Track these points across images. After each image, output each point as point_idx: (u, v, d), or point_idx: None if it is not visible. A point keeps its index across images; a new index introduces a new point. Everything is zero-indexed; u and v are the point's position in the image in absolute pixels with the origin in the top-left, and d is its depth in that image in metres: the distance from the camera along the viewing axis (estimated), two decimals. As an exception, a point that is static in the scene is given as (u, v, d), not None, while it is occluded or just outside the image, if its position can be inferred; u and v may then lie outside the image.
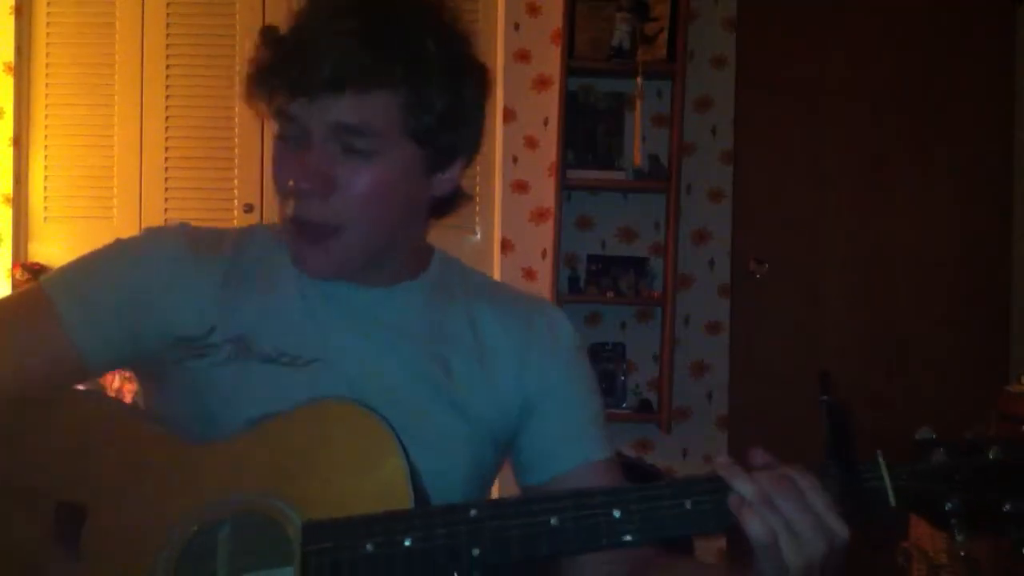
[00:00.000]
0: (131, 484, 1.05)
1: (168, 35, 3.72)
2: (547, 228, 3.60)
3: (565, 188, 3.59)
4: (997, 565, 2.68)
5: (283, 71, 1.07)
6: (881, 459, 0.93)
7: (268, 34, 1.10)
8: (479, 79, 1.15)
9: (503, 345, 1.20)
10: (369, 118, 1.06)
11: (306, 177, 1.07)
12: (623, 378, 3.67)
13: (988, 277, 3.91)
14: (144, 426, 1.11)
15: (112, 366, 1.19)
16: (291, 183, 1.08)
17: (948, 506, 0.91)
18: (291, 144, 1.10)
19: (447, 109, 1.10)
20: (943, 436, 0.94)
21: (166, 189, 3.73)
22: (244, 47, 3.63)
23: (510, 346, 1.20)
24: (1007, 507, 0.90)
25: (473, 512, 0.93)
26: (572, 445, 1.19)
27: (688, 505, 0.93)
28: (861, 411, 3.84)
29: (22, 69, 3.71)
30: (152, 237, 1.19)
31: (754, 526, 0.91)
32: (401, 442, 1.00)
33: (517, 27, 3.67)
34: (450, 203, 1.21)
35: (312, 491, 1.00)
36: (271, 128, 1.13)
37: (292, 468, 1.01)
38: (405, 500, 0.98)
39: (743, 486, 0.93)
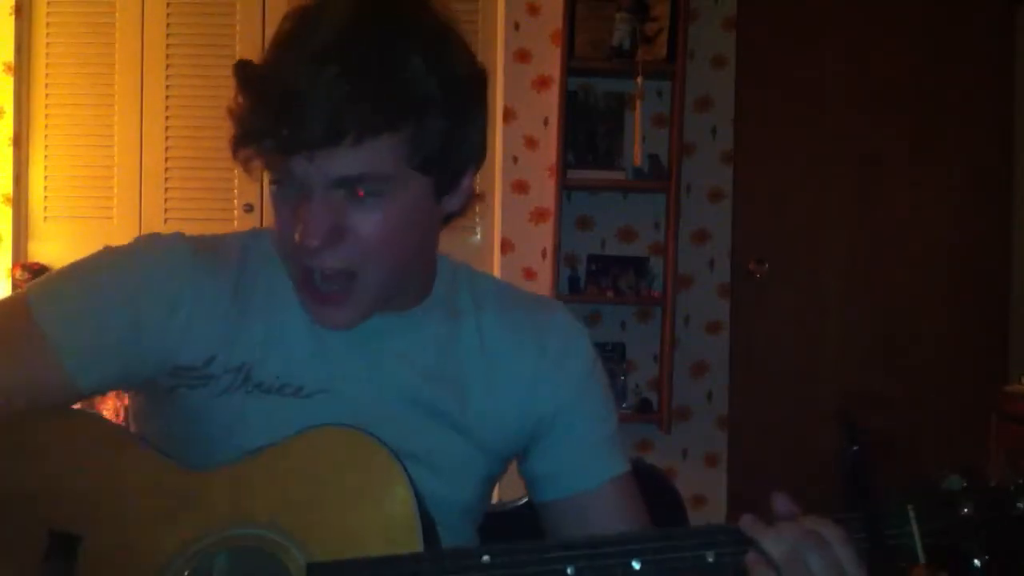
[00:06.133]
0: (127, 512, 1.01)
1: (168, 35, 3.72)
2: (547, 228, 3.60)
3: (565, 188, 3.58)
4: None
5: (272, 130, 0.97)
6: (912, 514, 0.88)
7: (245, 74, 1.01)
8: (478, 84, 1.06)
9: (514, 363, 1.14)
10: (372, 165, 0.98)
11: (313, 232, 0.98)
12: (623, 378, 3.66)
13: (988, 277, 3.91)
14: (141, 451, 1.05)
15: (105, 390, 1.12)
16: (297, 238, 0.99)
17: (976, 563, 0.87)
18: (291, 195, 1.01)
19: (450, 129, 1.01)
20: (973, 484, 0.89)
21: (166, 189, 3.73)
22: (243, 47, 3.63)
23: (521, 364, 1.15)
24: None
25: (486, 558, 0.90)
26: (589, 465, 1.16)
27: (710, 558, 0.88)
28: (860, 411, 3.86)
29: (22, 69, 3.71)
30: (149, 252, 1.09)
31: None
32: (407, 472, 0.97)
33: (517, 27, 3.67)
34: (462, 213, 1.13)
35: (314, 523, 0.97)
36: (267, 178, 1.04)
37: (293, 498, 0.98)
38: (412, 533, 0.95)
39: (772, 546, 0.87)
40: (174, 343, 1.06)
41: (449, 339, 1.14)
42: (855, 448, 0.91)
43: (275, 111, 0.97)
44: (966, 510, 0.88)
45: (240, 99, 1.01)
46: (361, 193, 0.99)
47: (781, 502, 0.92)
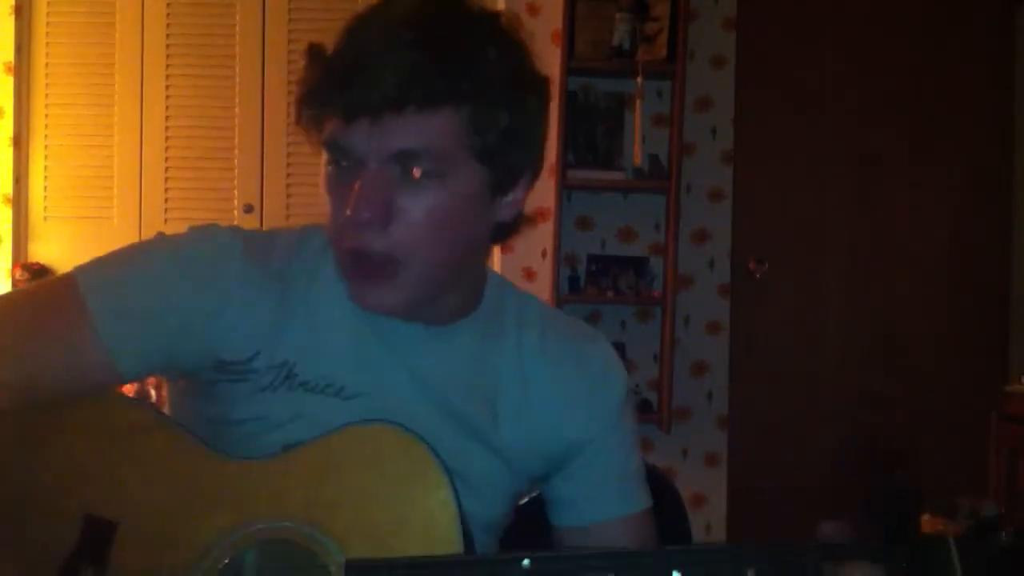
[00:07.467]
0: (164, 500, 1.01)
1: (168, 35, 3.72)
2: (547, 228, 3.60)
3: (565, 188, 3.59)
4: None
5: (339, 89, 0.96)
6: (955, 554, 0.86)
7: (316, 52, 1.01)
8: (541, 91, 1.06)
9: (550, 387, 1.14)
10: (432, 139, 0.97)
11: (365, 205, 0.97)
12: (623, 378, 3.66)
13: (988, 277, 3.92)
14: (179, 439, 1.05)
15: (145, 376, 1.12)
16: (348, 212, 0.97)
17: None
18: (346, 174, 0.99)
19: (511, 125, 1.01)
20: (1007, 517, 0.90)
21: (166, 189, 3.73)
22: (244, 47, 3.63)
23: (557, 389, 1.14)
24: None
25: (526, 563, 0.88)
26: (609, 498, 1.17)
27: None
28: (861, 412, 3.86)
29: (22, 69, 3.71)
30: (202, 245, 1.08)
31: None
32: (449, 473, 0.97)
33: (517, 27, 3.66)
34: (513, 227, 1.11)
35: (352, 519, 0.96)
36: (321, 152, 1.01)
37: (332, 493, 0.98)
38: (452, 535, 0.95)
39: None
40: (219, 337, 1.06)
41: (488, 356, 1.13)
42: (899, 486, 0.89)
43: (345, 72, 0.97)
44: (1004, 535, 0.86)
45: (309, 69, 1.01)
46: (417, 174, 0.98)
47: (827, 527, 0.91)
